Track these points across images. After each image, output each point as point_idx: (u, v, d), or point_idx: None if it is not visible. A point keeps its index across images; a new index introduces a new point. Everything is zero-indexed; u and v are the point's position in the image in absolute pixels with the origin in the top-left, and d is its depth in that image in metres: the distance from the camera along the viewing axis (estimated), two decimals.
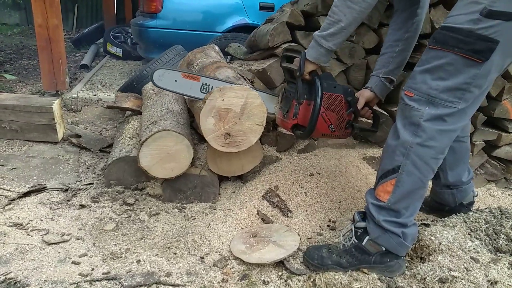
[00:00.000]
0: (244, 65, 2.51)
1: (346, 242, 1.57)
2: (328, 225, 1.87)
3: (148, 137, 1.84)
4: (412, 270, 1.51)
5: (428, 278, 1.43)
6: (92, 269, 1.52)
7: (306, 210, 1.93)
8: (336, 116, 1.72)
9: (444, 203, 1.92)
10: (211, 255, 1.65)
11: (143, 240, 1.73)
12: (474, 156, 2.37)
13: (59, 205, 1.94)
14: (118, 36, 6.36)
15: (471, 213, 1.79)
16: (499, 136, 2.32)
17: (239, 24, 4.27)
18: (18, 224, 1.75)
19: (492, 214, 1.75)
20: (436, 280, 1.41)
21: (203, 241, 1.73)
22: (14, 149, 2.51)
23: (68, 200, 1.98)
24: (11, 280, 1.41)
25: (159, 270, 1.54)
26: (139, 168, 1.89)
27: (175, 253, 1.65)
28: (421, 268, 1.48)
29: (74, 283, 1.43)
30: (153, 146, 1.86)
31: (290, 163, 2.20)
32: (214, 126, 1.77)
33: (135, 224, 1.83)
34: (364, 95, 1.82)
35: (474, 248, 1.55)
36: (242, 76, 2.13)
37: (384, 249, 1.48)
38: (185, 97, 1.89)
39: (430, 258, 1.52)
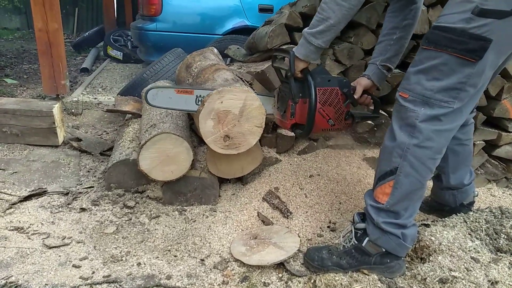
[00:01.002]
0: (243, 67, 2.51)
1: (346, 243, 1.57)
2: (328, 226, 1.87)
3: (147, 140, 1.84)
4: (412, 271, 1.50)
5: (428, 278, 1.43)
6: (93, 273, 1.52)
7: (306, 212, 1.93)
8: (334, 110, 1.70)
9: (445, 204, 1.92)
10: (211, 257, 1.65)
11: (143, 243, 1.73)
12: (475, 156, 2.36)
13: (60, 209, 1.94)
14: (118, 40, 6.38)
15: (471, 213, 1.78)
16: (499, 135, 2.31)
17: (238, 26, 4.28)
18: (19, 228, 1.76)
19: (492, 214, 1.75)
20: (437, 281, 1.41)
21: (204, 244, 1.74)
22: (15, 153, 2.52)
23: (68, 204, 1.99)
24: (12, 284, 1.42)
25: (160, 273, 1.54)
26: (139, 171, 1.89)
27: (175, 256, 1.65)
28: (421, 269, 1.48)
29: (75, 287, 1.44)
30: (152, 149, 1.86)
31: (290, 164, 2.21)
32: (213, 128, 1.78)
33: (136, 227, 1.83)
34: (361, 83, 1.79)
35: (474, 248, 1.54)
36: (241, 78, 2.14)
37: (384, 250, 1.48)
38: (183, 112, 1.89)
39: (431, 259, 1.51)
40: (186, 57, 2.55)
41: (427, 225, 1.69)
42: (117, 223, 1.85)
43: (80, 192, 2.10)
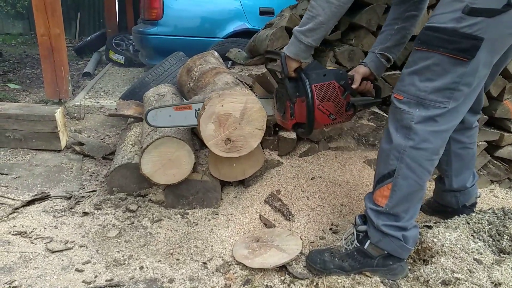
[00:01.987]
0: (244, 70, 2.52)
1: (348, 245, 1.57)
2: (330, 229, 1.87)
3: (149, 144, 1.85)
4: (415, 273, 1.50)
5: (431, 280, 1.42)
6: (96, 276, 1.52)
7: (308, 214, 1.93)
8: (333, 104, 1.66)
9: (447, 205, 1.91)
10: (213, 260, 1.65)
11: (146, 246, 1.73)
12: (477, 156, 2.36)
13: (63, 213, 1.95)
14: (120, 44, 6.41)
15: (474, 214, 1.78)
16: (501, 136, 2.31)
17: (239, 29, 4.29)
18: (22, 232, 1.76)
19: (495, 215, 1.74)
20: (439, 282, 1.40)
21: (206, 247, 1.74)
22: (18, 157, 2.54)
23: (71, 208, 1.99)
24: None
25: (162, 277, 1.54)
26: (141, 174, 1.90)
27: (177, 259, 1.65)
28: (424, 271, 1.48)
29: None
30: (154, 153, 1.87)
31: (292, 167, 2.21)
32: (214, 132, 1.78)
33: (138, 231, 1.84)
34: (359, 71, 1.75)
35: (477, 250, 1.54)
36: (241, 81, 2.14)
37: (386, 252, 1.48)
38: (184, 128, 1.90)
39: (433, 260, 1.51)
40: (187, 61, 2.56)
41: (430, 227, 1.69)
42: (119, 227, 1.86)
43: (82, 196, 2.11)
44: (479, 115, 1.73)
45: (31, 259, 1.60)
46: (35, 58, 6.59)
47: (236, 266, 1.62)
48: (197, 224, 1.91)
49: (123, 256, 1.65)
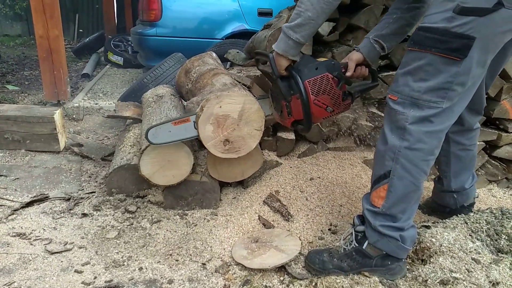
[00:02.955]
0: (243, 71, 2.53)
1: (347, 246, 1.57)
2: (329, 229, 1.87)
3: (148, 145, 1.85)
4: (413, 272, 1.51)
5: (429, 280, 1.43)
6: (95, 278, 1.52)
7: (307, 215, 1.93)
8: (329, 97, 1.63)
9: (445, 205, 1.92)
10: (212, 261, 1.66)
11: (145, 247, 1.74)
12: None
13: (62, 214, 1.95)
14: (118, 45, 6.41)
15: (472, 214, 1.78)
16: (499, 136, 2.31)
17: (238, 30, 4.29)
18: (21, 234, 1.76)
19: (493, 215, 1.75)
20: (438, 282, 1.41)
21: (205, 248, 1.74)
22: (16, 159, 2.54)
23: (70, 209, 1.99)
24: None
25: (161, 277, 1.54)
26: (140, 176, 1.90)
27: (177, 260, 1.66)
28: (422, 270, 1.48)
29: None
30: (153, 154, 1.87)
31: (291, 167, 2.21)
32: (212, 133, 1.78)
33: (137, 232, 1.84)
34: (352, 58, 1.71)
35: (475, 249, 1.54)
36: (239, 82, 2.15)
37: (384, 252, 1.48)
38: (184, 141, 1.90)
39: (431, 260, 1.51)
40: (185, 62, 2.56)
41: (428, 227, 1.69)
42: (118, 228, 1.86)
43: (81, 198, 2.11)
44: (480, 116, 1.72)
45: (30, 260, 1.60)
46: (33, 59, 6.59)
47: (235, 266, 1.62)
48: (196, 225, 1.91)
49: (122, 257, 1.66)
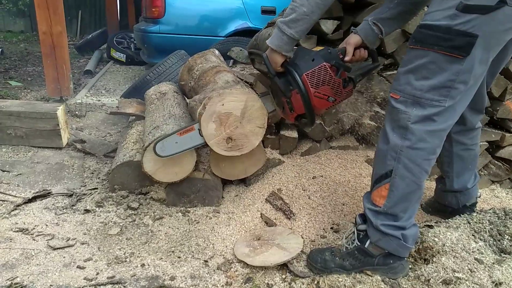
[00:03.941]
0: (246, 69, 2.52)
1: (349, 244, 1.57)
2: (331, 228, 1.87)
3: (151, 142, 1.85)
4: (416, 272, 1.50)
5: (432, 279, 1.43)
6: (97, 274, 1.53)
7: (310, 213, 1.93)
8: (329, 87, 1.60)
9: (447, 205, 1.91)
10: (215, 258, 1.66)
11: (147, 244, 1.74)
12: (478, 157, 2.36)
13: (64, 210, 1.95)
14: (121, 42, 6.42)
15: (475, 214, 1.78)
16: (503, 136, 2.30)
17: (241, 28, 4.30)
18: (23, 229, 1.77)
19: (496, 215, 1.74)
20: (440, 282, 1.41)
21: (207, 245, 1.74)
22: (19, 155, 2.54)
23: (73, 205, 2.00)
24: (17, 285, 1.43)
25: (164, 274, 1.55)
26: (142, 172, 1.90)
27: (179, 257, 1.66)
28: (424, 270, 1.48)
29: None
30: None
31: (293, 166, 2.21)
32: (215, 131, 1.78)
33: (139, 228, 1.84)
34: (350, 42, 1.66)
35: (478, 249, 1.54)
36: (242, 80, 2.14)
37: (386, 251, 1.48)
38: (191, 149, 1.90)
39: (434, 260, 1.51)
40: (188, 60, 2.56)
41: (431, 226, 1.69)
42: (121, 224, 1.86)
43: (84, 194, 2.11)
44: (482, 115, 1.72)
45: (33, 255, 1.60)
46: (36, 55, 6.60)
47: (237, 264, 1.62)
48: (198, 222, 1.91)
49: (124, 254, 1.66)
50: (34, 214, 1.91)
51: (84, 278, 1.49)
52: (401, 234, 1.44)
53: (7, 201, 1.99)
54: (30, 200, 2.02)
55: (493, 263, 1.48)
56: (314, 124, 1.69)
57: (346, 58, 1.63)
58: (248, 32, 4.16)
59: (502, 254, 1.57)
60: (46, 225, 1.82)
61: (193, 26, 4.31)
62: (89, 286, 1.46)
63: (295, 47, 1.57)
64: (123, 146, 2.25)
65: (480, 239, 1.60)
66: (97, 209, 1.97)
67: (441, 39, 1.24)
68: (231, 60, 3.06)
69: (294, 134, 2.24)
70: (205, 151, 2.16)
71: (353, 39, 1.65)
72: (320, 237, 1.80)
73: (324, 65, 1.57)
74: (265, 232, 1.79)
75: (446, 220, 1.75)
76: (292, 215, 1.91)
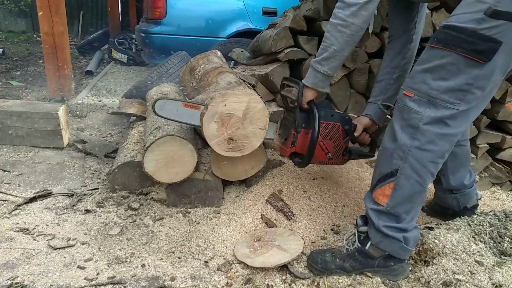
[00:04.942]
0: (247, 70, 2.53)
1: (350, 246, 1.57)
2: (332, 229, 1.87)
3: (152, 143, 1.85)
4: (416, 274, 1.51)
5: (432, 281, 1.43)
6: (97, 274, 1.53)
7: (310, 214, 1.93)
8: (334, 145, 1.74)
9: (448, 207, 1.91)
10: (215, 259, 1.66)
11: (147, 244, 1.74)
12: (478, 159, 2.36)
13: (65, 210, 1.96)
14: (122, 43, 6.42)
15: (475, 216, 1.78)
16: (503, 138, 2.31)
17: (242, 29, 4.30)
18: (24, 229, 1.77)
19: (496, 217, 1.75)
20: (440, 284, 1.41)
21: (207, 246, 1.74)
22: (20, 155, 2.54)
23: (73, 205, 2.00)
24: (17, 285, 1.43)
25: (164, 275, 1.55)
26: (143, 173, 1.90)
27: (179, 258, 1.66)
28: (425, 272, 1.48)
29: None
30: (157, 151, 1.87)
31: (294, 167, 2.21)
32: (217, 131, 1.79)
33: (140, 229, 1.84)
34: (362, 122, 1.84)
35: (478, 251, 1.54)
36: (244, 81, 2.15)
37: (387, 253, 1.48)
38: (186, 125, 1.92)
39: (434, 262, 1.51)
40: (190, 60, 2.57)
41: (431, 228, 1.69)
42: (121, 224, 1.86)
43: (85, 194, 2.11)
44: None
45: (34, 255, 1.60)
46: (37, 56, 6.60)
47: (237, 265, 1.62)
48: (199, 223, 1.91)
49: (125, 254, 1.66)
50: (34, 214, 1.91)
51: (85, 278, 1.49)
52: (402, 237, 1.44)
53: (8, 201, 1.99)
54: (31, 200, 2.02)
55: (493, 265, 1.48)
56: (305, 167, 1.83)
57: (355, 133, 1.82)
58: (249, 34, 4.16)
59: (502, 256, 1.57)
60: (47, 225, 1.82)
61: (194, 27, 4.31)
62: (90, 286, 1.46)
63: (327, 91, 1.67)
64: (124, 147, 2.25)
65: (481, 241, 1.60)
66: (97, 209, 1.98)
67: (464, 41, 1.23)
68: (232, 61, 3.06)
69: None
70: (206, 152, 2.16)
71: (365, 121, 1.85)
72: (321, 238, 1.80)
73: (339, 125, 1.73)
74: (266, 233, 1.79)
75: (447, 222, 1.75)
76: (292, 216, 1.91)
